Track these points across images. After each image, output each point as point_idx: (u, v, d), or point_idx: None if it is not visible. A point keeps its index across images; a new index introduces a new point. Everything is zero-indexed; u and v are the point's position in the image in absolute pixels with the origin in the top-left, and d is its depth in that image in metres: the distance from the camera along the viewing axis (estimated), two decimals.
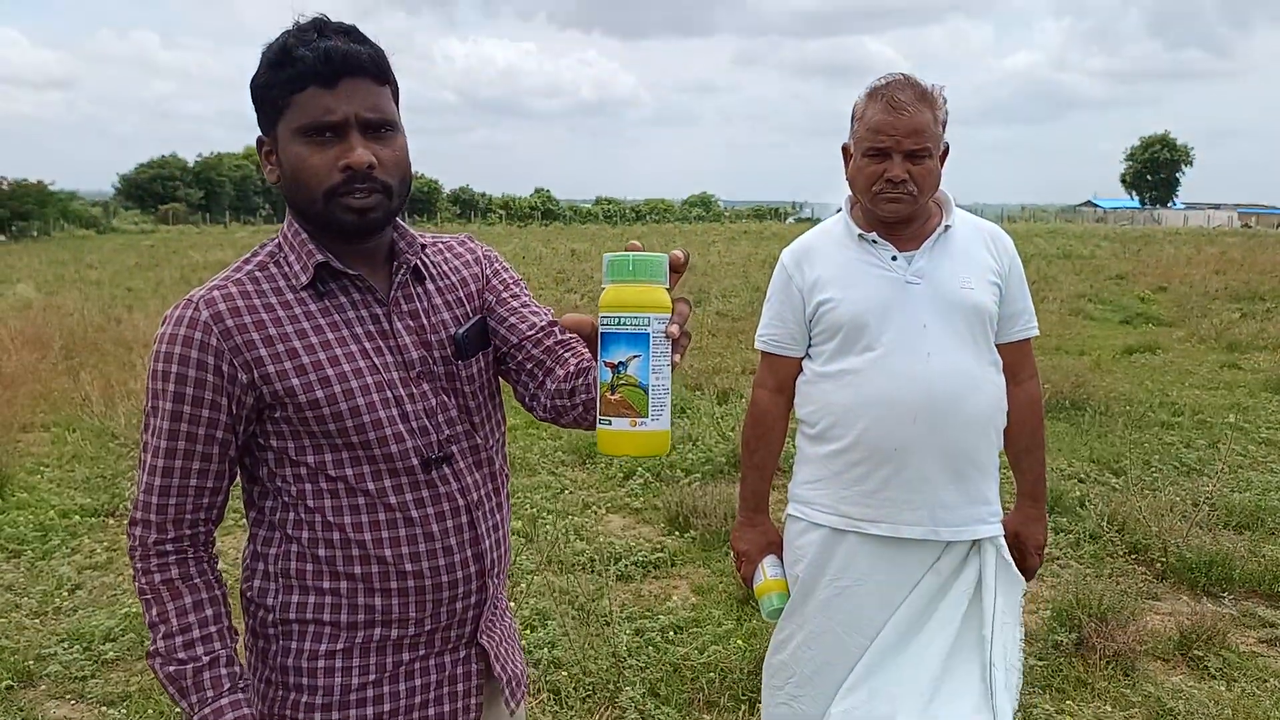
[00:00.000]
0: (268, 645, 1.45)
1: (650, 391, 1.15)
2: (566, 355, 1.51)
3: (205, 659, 1.37)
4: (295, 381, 1.34)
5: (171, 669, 1.36)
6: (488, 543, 1.47)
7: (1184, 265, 21.25)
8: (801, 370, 2.30)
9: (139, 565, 1.40)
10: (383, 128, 1.36)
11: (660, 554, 4.56)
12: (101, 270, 21.63)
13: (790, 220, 67.59)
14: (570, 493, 5.58)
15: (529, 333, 1.52)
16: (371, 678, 1.43)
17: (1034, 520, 2.33)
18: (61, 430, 7.04)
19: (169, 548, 1.39)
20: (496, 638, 1.55)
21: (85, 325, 11.60)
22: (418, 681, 1.46)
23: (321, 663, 1.42)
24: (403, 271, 1.44)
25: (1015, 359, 2.26)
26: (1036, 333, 2.30)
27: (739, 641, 3.67)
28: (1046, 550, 4.54)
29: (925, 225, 2.21)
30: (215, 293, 1.36)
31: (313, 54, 1.29)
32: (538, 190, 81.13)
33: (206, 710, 1.35)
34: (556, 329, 1.53)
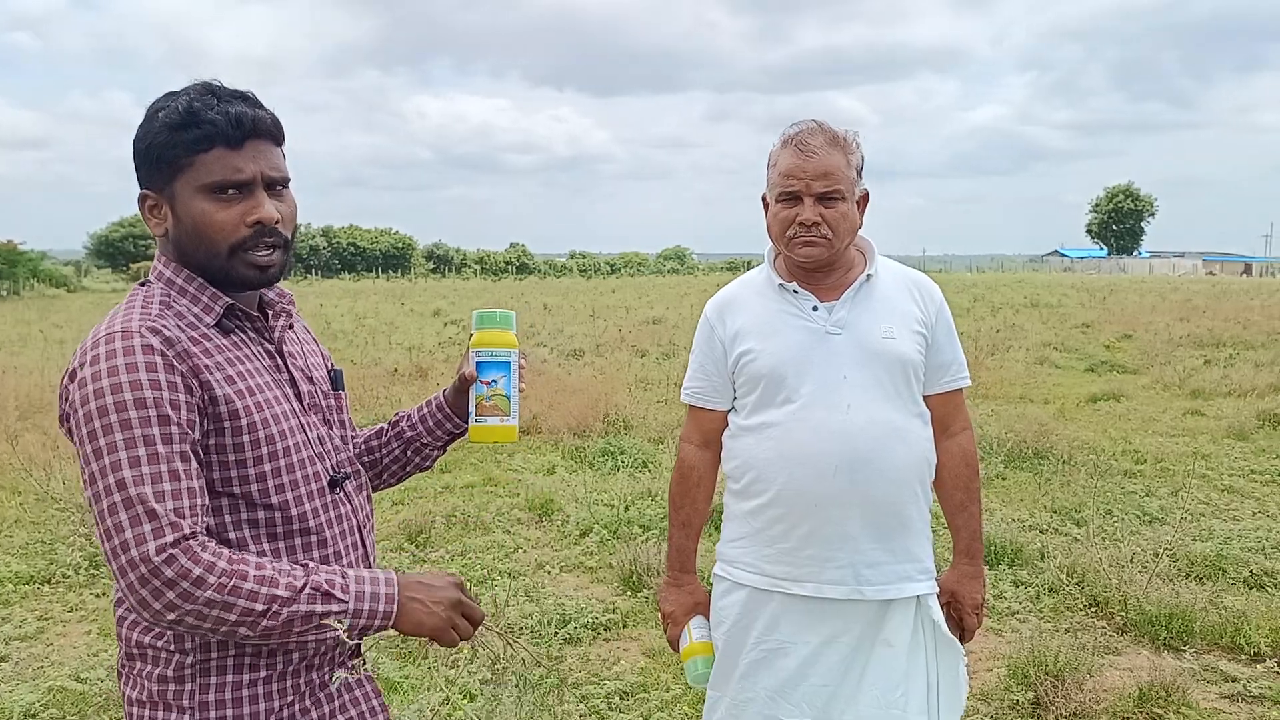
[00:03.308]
0: (180, 688, 1.43)
1: (511, 400, 1.65)
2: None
3: (316, 566, 1.39)
4: (239, 405, 1.41)
5: (307, 591, 1.34)
6: (373, 557, 1.64)
7: (1149, 313, 21.48)
8: (727, 424, 2.23)
9: (199, 568, 1.30)
10: (282, 184, 1.49)
11: (612, 615, 4.43)
12: (66, 330, 21.33)
13: None
14: (524, 552, 5.44)
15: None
16: (290, 699, 1.48)
17: (971, 578, 2.24)
18: (4, 493, 6.84)
19: (204, 538, 1.33)
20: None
21: (43, 386, 11.38)
22: (322, 695, 1.53)
23: (245, 692, 1.44)
24: (285, 317, 1.59)
25: (946, 411, 2.20)
26: (968, 383, 2.23)
27: (686, 709, 3.54)
28: (1006, 604, 4.51)
29: (847, 275, 2.15)
30: (151, 323, 1.38)
31: (223, 117, 1.39)
32: (513, 245, 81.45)
33: (364, 582, 1.39)
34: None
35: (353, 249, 75.00)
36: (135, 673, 1.46)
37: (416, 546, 5.49)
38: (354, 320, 22.43)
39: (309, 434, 1.53)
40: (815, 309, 2.11)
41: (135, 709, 1.46)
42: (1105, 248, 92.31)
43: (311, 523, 1.49)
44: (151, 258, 1.53)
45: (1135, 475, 6.98)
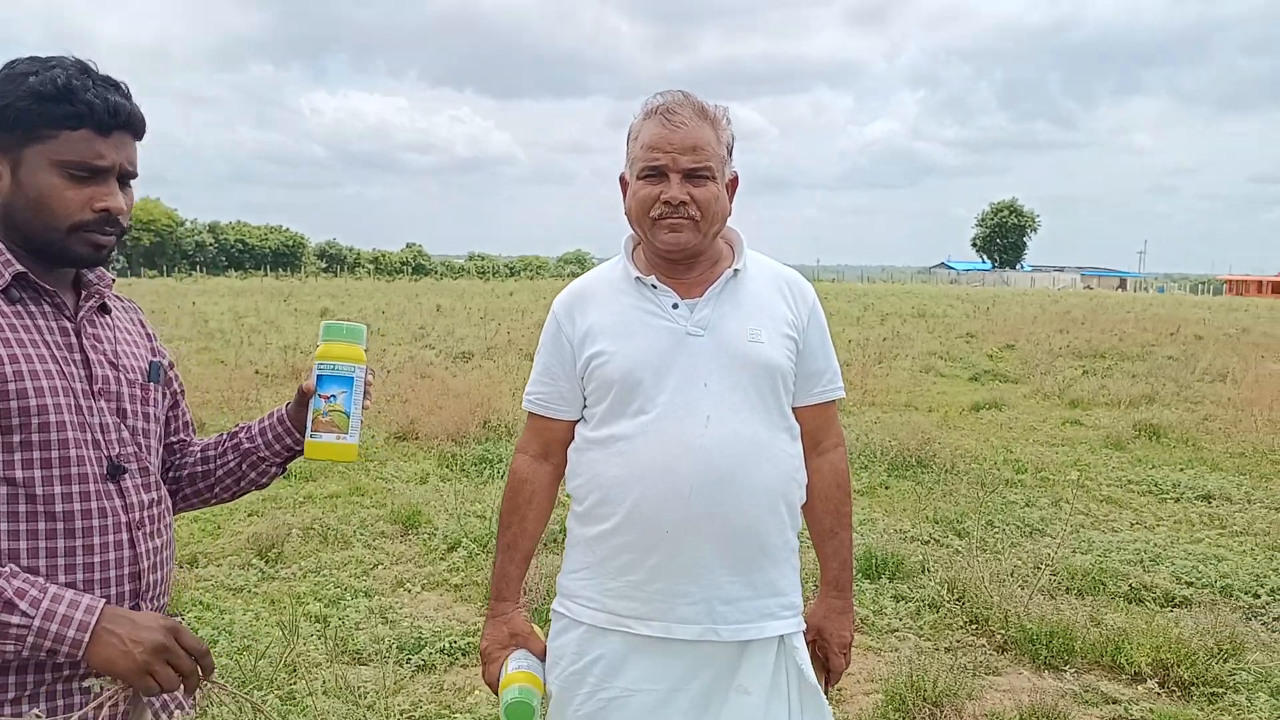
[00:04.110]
0: None
1: (350, 416, 1.58)
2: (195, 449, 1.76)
3: (14, 573, 1.32)
4: None
5: None
6: (145, 564, 1.49)
7: (1030, 324, 22.07)
8: (573, 436, 1.95)
9: None
10: (132, 179, 1.50)
11: (472, 638, 4.10)
12: None
13: None
14: (385, 568, 5.06)
15: (185, 417, 1.75)
16: (10, 695, 1.37)
17: (839, 613, 1.99)
18: None
19: None
20: None
21: None
22: (60, 703, 1.40)
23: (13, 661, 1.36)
24: (95, 299, 1.53)
25: (817, 424, 1.95)
26: (841, 394, 1.99)
27: None
28: (885, 621, 4.34)
29: (712, 269, 1.90)
30: None
31: (101, 103, 1.41)
32: (409, 245, 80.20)
33: (61, 602, 1.32)
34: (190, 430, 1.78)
35: (241, 246, 72.77)
36: None
37: (266, 563, 5.06)
38: (233, 319, 21.50)
39: (89, 418, 1.45)
40: (675, 306, 1.85)
41: None
42: (990, 261, 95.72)
43: (59, 508, 1.39)
44: None
45: (1016, 485, 6.96)
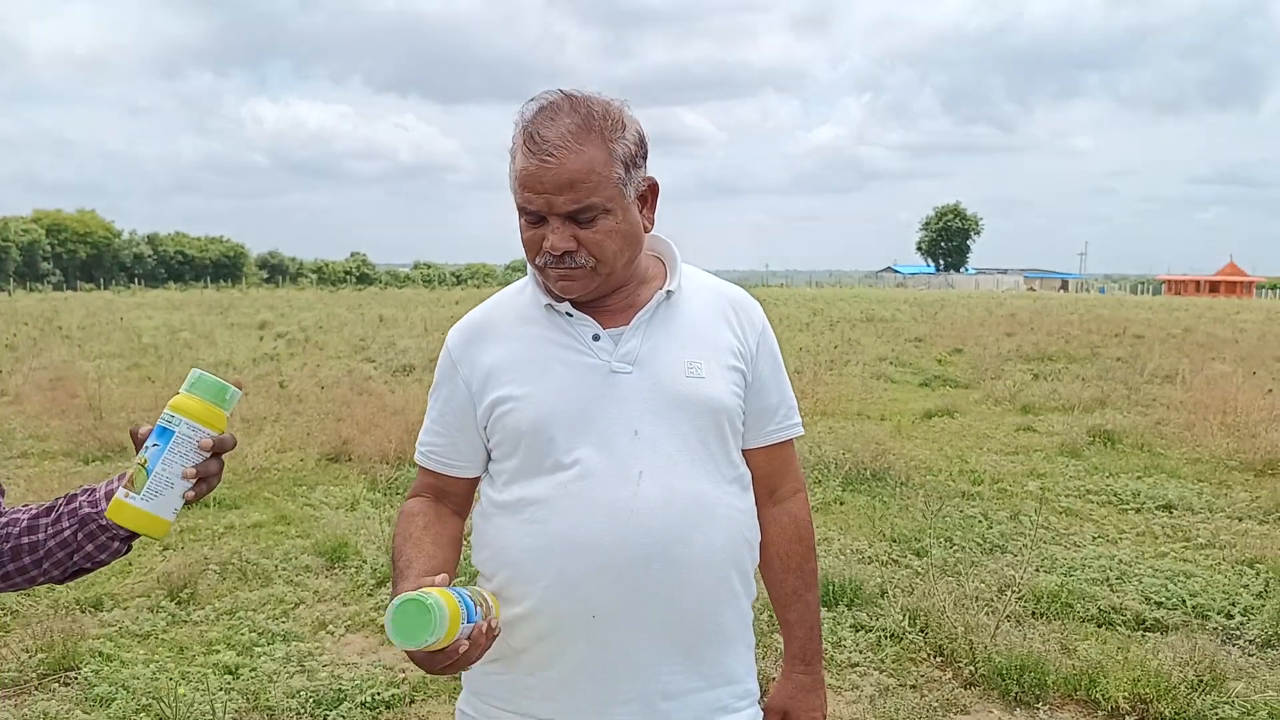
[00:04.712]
0: None
1: (151, 477, 1.29)
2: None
3: None
4: None
5: None
6: None
7: (977, 328, 22.11)
8: (478, 497, 1.63)
9: None
10: None
11: (397, 689, 3.74)
12: None
13: None
14: (307, 607, 4.68)
15: None
16: None
17: (807, 691, 1.69)
18: None
19: None
20: None
21: None
22: None
23: None
24: None
25: (772, 469, 1.65)
26: (799, 432, 1.69)
27: None
28: (845, 654, 4.05)
29: (639, 292, 1.58)
30: None
31: None
32: (353, 254, 79.36)
33: None
34: None
35: (180, 257, 71.44)
36: None
37: (177, 604, 4.65)
38: (168, 333, 20.81)
39: None
40: (596, 338, 1.53)
41: None
42: (935, 264, 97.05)
43: None
44: None
45: (973, 497, 6.73)
